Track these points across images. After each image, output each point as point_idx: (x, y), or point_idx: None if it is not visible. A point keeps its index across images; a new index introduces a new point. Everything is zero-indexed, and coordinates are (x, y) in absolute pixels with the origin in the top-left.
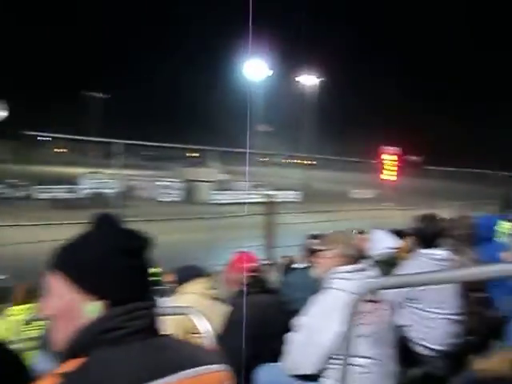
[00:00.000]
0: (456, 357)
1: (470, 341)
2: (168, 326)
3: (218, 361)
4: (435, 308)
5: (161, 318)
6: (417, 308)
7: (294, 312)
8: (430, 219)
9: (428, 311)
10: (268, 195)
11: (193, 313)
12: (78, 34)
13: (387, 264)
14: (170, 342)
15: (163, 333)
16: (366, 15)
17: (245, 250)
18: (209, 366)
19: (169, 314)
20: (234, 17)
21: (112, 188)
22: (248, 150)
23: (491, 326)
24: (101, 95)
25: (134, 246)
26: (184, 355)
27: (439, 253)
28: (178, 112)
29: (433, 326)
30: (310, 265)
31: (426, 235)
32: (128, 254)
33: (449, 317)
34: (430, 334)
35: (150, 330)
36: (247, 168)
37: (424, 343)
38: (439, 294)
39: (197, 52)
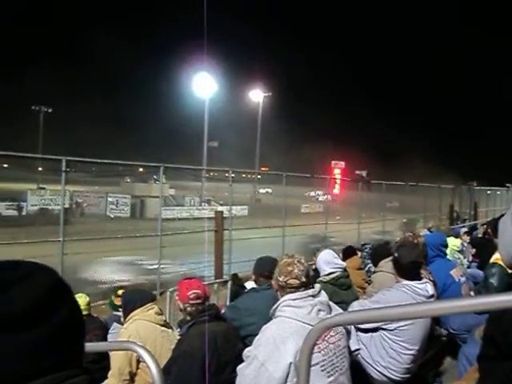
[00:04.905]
0: (413, 379)
1: (425, 359)
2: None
3: None
4: (406, 343)
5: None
6: (388, 338)
7: (247, 337)
8: (409, 247)
9: (398, 344)
10: (217, 210)
11: (136, 347)
12: None
13: (335, 285)
14: None
15: None
16: (317, 31)
17: (192, 274)
18: None
19: (114, 350)
20: (183, 33)
21: (58, 204)
22: (205, 167)
23: (443, 343)
24: (48, 110)
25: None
26: None
27: (420, 286)
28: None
29: (398, 359)
30: (265, 286)
31: (405, 265)
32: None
33: (415, 354)
34: (392, 363)
35: None
36: (203, 184)
37: (384, 371)
38: (413, 329)
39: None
